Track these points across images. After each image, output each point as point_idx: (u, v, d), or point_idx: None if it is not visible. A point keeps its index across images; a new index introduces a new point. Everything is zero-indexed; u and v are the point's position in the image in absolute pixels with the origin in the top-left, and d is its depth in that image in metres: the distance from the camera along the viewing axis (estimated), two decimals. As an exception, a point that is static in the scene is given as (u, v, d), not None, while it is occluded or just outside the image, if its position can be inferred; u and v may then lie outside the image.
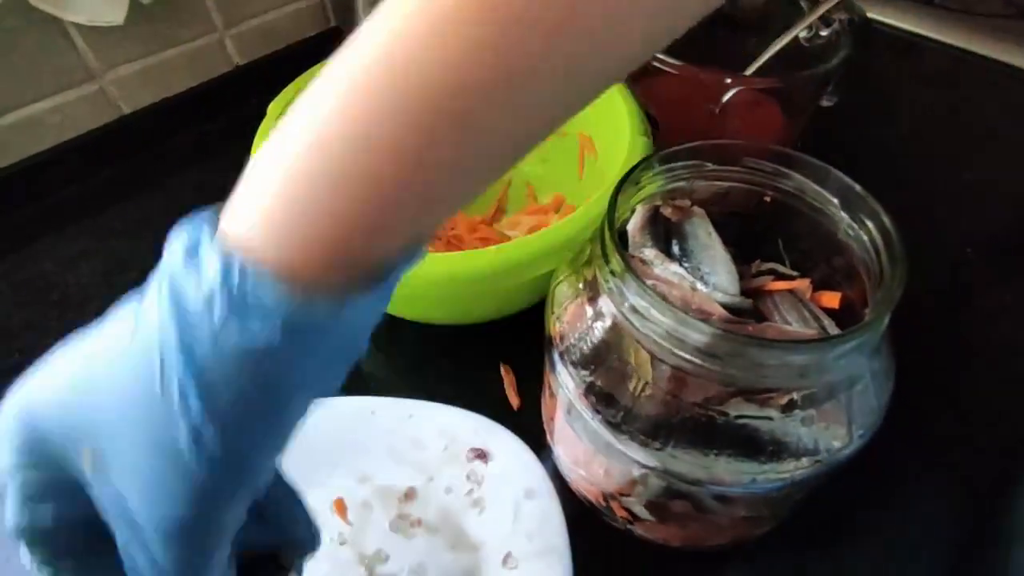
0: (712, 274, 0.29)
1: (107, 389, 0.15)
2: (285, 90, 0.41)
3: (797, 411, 0.22)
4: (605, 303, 0.23)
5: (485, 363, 0.39)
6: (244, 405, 0.14)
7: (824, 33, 0.46)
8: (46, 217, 0.50)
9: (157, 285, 0.15)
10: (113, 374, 0.15)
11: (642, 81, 0.47)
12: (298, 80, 0.42)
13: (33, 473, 0.16)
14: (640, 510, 0.27)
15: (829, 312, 0.28)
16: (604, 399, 0.23)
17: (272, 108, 0.40)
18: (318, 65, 0.43)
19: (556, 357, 0.25)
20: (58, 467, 0.16)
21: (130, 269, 0.46)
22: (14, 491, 0.16)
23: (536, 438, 0.33)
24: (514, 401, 0.37)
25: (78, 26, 0.47)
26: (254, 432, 0.15)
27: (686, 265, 0.29)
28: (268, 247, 0.14)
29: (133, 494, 0.15)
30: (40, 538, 0.16)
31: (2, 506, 0.16)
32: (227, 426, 0.14)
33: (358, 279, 0.15)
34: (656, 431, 0.22)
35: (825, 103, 0.50)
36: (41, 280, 0.45)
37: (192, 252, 0.15)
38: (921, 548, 0.31)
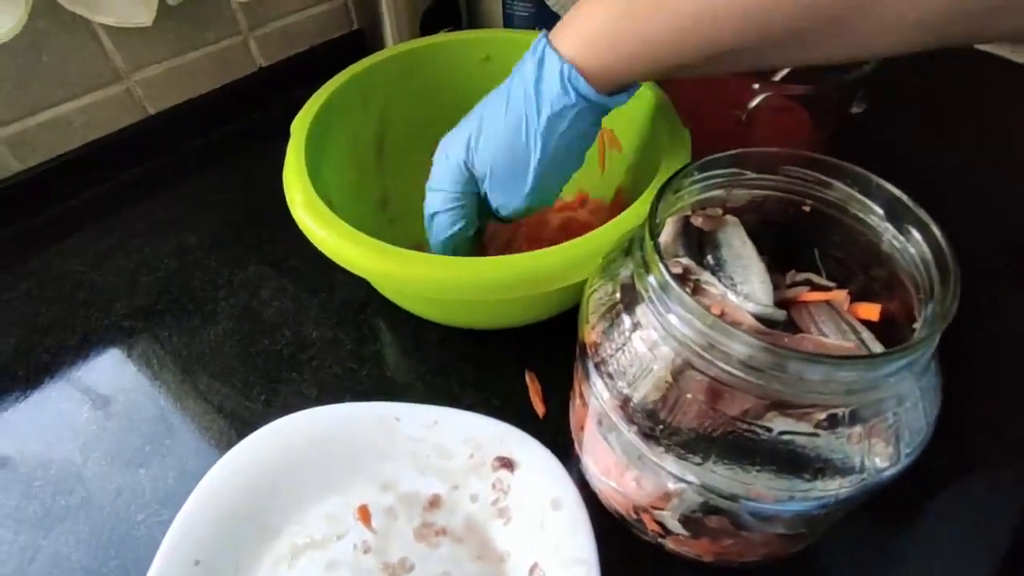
0: (745, 283, 0.28)
1: (494, 135, 0.32)
2: (306, 105, 0.40)
3: (842, 428, 0.21)
4: (644, 313, 0.23)
5: (509, 370, 0.39)
6: (556, 141, 0.31)
7: (855, 39, 0.45)
8: (73, 216, 0.50)
9: (519, 79, 0.30)
10: (497, 127, 0.31)
11: (667, 86, 0.47)
12: (318, 94, 0.41)
13: (460, 190, 0.34)
14: (673, 524, 0.26)
15: (868, 324, 0.27)
16: (640, 411, 0.23)
17: (296, 126, 0.39)
18: (337, 76, 0.42)
19: (591, 367, 0.25)
20: (469, 184, 0.34)
21: (155, 268, 0.46)
22: (452, 200, 0.35)
23: (562, 447, 0.33)
24: (539, 409, 0.37)
25: (106, 27, 0.47)
26: (561, 165, 0.33)
27: (719, 275, 0.29)
28: (584, 60, 0.28)
29: (501, 179, 0.33)
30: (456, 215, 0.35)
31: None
32: (545, 154, 0.31)
33: (617, 88, 0.30)
34: (695, 445, 0.22)
35: (854, 110, 0.49)
36: (68, 278, 0.45)
37: (540, 60, 0.29)
38: (963, 568, 0.31)
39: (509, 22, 0.61)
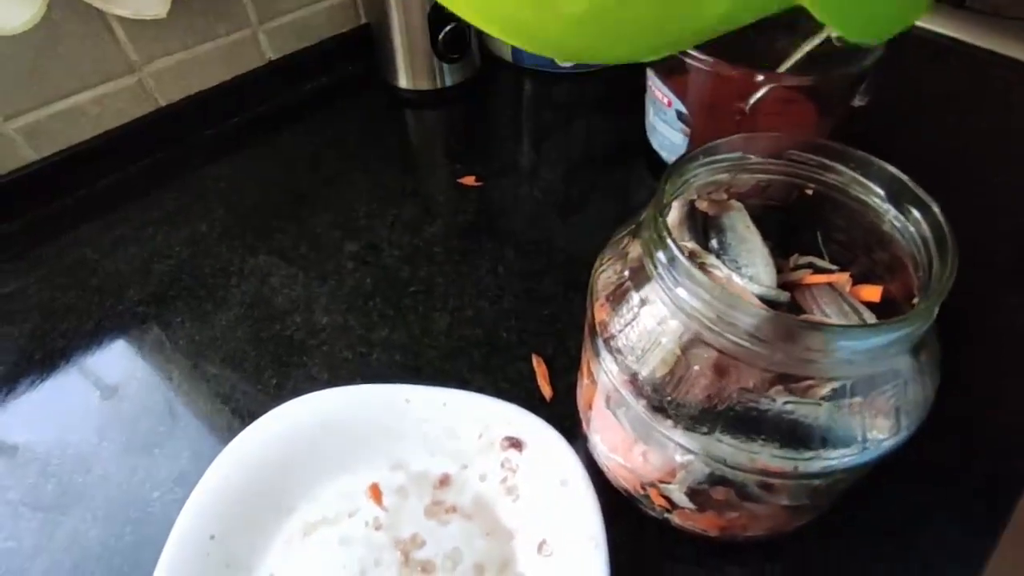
0: (749, 266, 0.29)
1: None
2: None
3: (844, 400, 0.22)
4: (653, 289, 0.23)
5: (517, 355, 0.40)
6: None
7: (857, 33, 0.46)
8: (86, 205, 0.51)
9: None
10: None
11: (673, 78, 0.47)
12: None
13: None
14: (680, 497, 0.27)
15: (870, 307, 0.28)
16: (649, 384, 0.23)
17: None
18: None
19: (600, 344, 0.25)
20: None
21: (167, 256, 0.47)
22: None
23: (569, 428, 0.34)
24: (546, 392, 0.37)
25: (120, 19, 0.48)
26: None
27: (724, 258, 0.29)
28: None
29: None
30: None
31: None
32: None
33: None
34: (702, 417, 0.22)
35: (857, 103, 0.49)
36: (82, 266, 0.46)
37: None
38: (964, 543, 0.31)
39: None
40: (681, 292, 0.21)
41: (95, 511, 0.34)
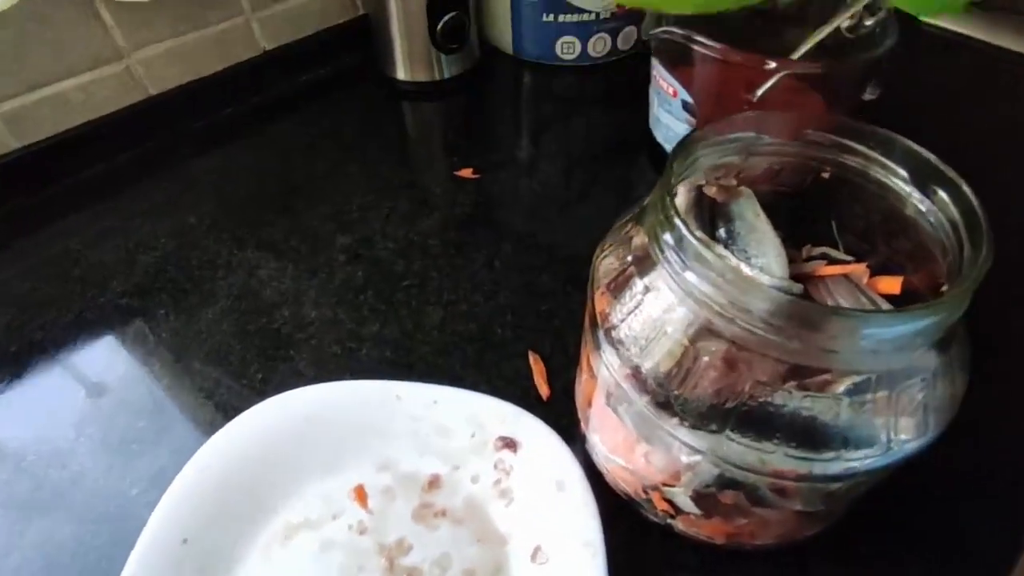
0: (759, 257, 0.27)
1: None
2: None
3: (866, 397, 0.20)
4: (659, 275, 0.22)
5: (513, 351, 0.38)
6: None
7: (869, 23, 0.44)
8: (71, 195, 0.49)
9: None
10: None
11: (679, 67, 0.46)
12: None
13: None
14: (684, 501, 0.25)
15: (889, 299, 0.26)
16: (653, 379, 0.22)
17: None
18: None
19: (601, 336, 0.24)
20: None
21: (153, 248, 0.45)
22: None
23: (566, 429, 0.32)
24: (543, 391, 0.36)
25: (108, 3, 0.47)
26: None
27: (732, 248, 0.28)
28: None
29: None
30: None
31: None
32: None
33: None
34: (711, 413, 0.21)
35: (868, 96, 0.48)
36: (65, 257, 0.45)
37: None
38: (983, 557, 0.29)
39: (516, 9, 0.60)
40: (690, 276, 0.20)
41: (70, 508, 0.32)
